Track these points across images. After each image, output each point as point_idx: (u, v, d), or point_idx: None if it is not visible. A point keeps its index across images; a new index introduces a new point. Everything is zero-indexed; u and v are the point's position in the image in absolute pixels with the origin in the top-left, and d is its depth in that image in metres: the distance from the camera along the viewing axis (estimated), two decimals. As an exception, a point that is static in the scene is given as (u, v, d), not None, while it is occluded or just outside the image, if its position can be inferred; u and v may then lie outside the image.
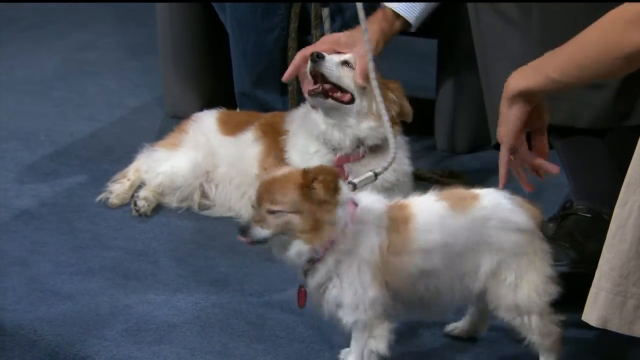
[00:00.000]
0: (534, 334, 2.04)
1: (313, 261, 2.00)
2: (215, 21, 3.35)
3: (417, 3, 2.84)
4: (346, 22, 3.09)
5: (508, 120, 2.02)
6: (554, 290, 2.02)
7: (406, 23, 2.85)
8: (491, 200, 2.02)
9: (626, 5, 1.85)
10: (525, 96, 1.99)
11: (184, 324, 2.33)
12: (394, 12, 2.83)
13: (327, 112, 2.72)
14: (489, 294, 2.02)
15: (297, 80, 3.06)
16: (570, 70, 1.91)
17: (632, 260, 1.86)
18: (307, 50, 2.77)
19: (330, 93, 2.69)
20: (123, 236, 2.77)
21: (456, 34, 3.05)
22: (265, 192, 1.97)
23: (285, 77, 2.82)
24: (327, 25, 3.08)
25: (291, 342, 2.27)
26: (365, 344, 2.04)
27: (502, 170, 2.08)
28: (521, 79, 1.98)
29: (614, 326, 1.89)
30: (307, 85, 2.73)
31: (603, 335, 2.01)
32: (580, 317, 1.93)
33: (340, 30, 3.04)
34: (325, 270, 2.00)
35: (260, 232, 1.98)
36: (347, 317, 2.03)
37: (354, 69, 2.71)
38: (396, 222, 2.00)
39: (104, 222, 2.84)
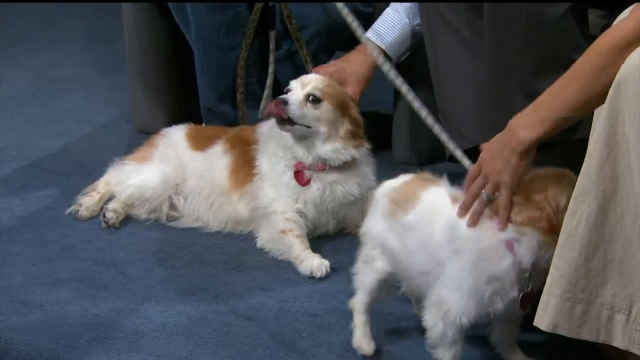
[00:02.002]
0: None
1: None
2: (181, 40, 3.34)
3: (391, 36, 2.88)
4: (292, 52, 3.11)
5: (518, 170, 1.97)
6: None
7: (386, 55, 2.88)
8: None
9: (606, 36, 1.87)
10: (536, 143, 1.97)
11: (151, 332, 2.30)
12: (375, 44, 2.86)
13: (296, 136, 2.73)
14: None
15: (246, 90, 3.07)
16: (584, 105, 1.91)
17: (581, 268, 1.87)
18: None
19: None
20: (92, 247, 2.74)
21: (412, 52, 3.06)
22: None
23: None
24: (272, 45, 3.09)
25: (255, 348, 2.25)
26: None
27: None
28: (530, 129, 1.95)
29: (564, 330, 1.91)
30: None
31: (553, 339, 2.02)
32: (531, 321, 1.94)
33: (287, 55, 3.07)
34: None
35: None
36: None
37: (320, 101, 2.71)
38: None
39: (73, 234, 2.81)
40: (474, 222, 1.97)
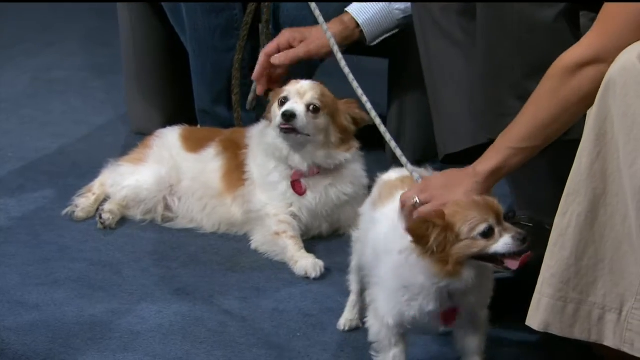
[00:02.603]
0: None
1: None
2: (176, 42, 3.34)
3: (369, 13, 2.88)
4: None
5: (465, 197, 1.98)
6: None
7: (363, 36, 2.89)
8: None
9: (559, 59, 1.91)
10: (494, 174, 1.99)
11: (147, 332, 2.31)
12: (355, 20, 2.86)
13: (293, 143, 2.74)
14: None
15: (241, 92, 3.08)
16: (536, 132, 1.94)
17: (572, 267, 1.88)
18: (269, 48, 2.85)
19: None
20: (88, 248, 2.75)
21: (406, 54, 3.07)
22: (496, 206, 1.92)
23: (255, 76, 2.86)
24: (262, 38, 3.08)
25: (250, 348, 2.26)
26: None
27: None
28: (486, 161, 1.99)
29: (556, 330, 1.91)
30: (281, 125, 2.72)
31: (544, 338, 2.02)
32: (523, 321, 1.95)
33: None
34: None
35: None
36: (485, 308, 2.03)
37: (319, 110, 2.72)
38: None
39: (69, 234, 2.82)
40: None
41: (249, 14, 3.06)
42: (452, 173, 2.04)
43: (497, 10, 2.27)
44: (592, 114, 1.84)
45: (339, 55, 2.28)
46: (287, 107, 2.70)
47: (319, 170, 2.77)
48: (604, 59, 1.84)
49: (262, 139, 2.80)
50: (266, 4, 3.06)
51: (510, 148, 1.97)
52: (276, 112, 2.74)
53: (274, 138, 2.76)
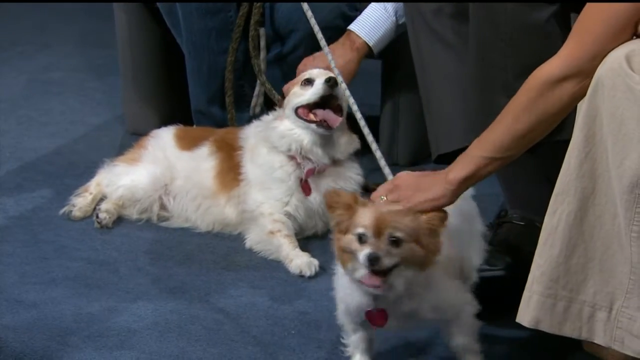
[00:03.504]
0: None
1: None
2: (172, 44, 3.35)
3: (379, 34, 2.91)
4: (281, 56, 3.12)
5: (434, 203, 1.98)
6: None
7: (370, 51, 2.92)
8: None
9: (538, 72, 1.91)
10: (466, 182, 1.99)
11: (143, 330, 2.32)
12: (364, 41, 2.90)
13: (321, 134, 2.75)
14: None
15: (237, 93, 3.08)
16: (511, 143, 1.94)
17: (562, 265, 1.89)
18: (306, 66, 2.83)
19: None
20: (85, 247, 2.75)
21: (399, 56, 3.08)
22: (385, 222, 1.88)
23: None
24: (262, 43, 3.09)
25: (245, 346, 2.26)
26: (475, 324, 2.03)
27: None
28: (458, 169, 1.98)
29: (546, 327, 1.92)
30: (321, 113, 2.73)
31: (535, 335, 2.03)
32: (514, 318, 1.96)
33: (275, 60, 3.08)
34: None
35: (388, 261, 1.87)
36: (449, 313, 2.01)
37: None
38: None
39: (67, 234, 2.82)
40: None
41: (242, 16, 3.07)
42: (424, 176, 2.03)
43: (490, 12, 2.28)
44: (581, 114, 1.85)
45: (348, 93, 2.31)
46: (327, 76, 2.70)
47: (326, 167, 2.78)
48: (584, 72, 1.84)
49: (270, 132, 2.79)
50: (257, 5, 3.06)
51: (484, 157, 1.96)
52: (299, 92, 2.75)
53: (289, 129, 2.76)
